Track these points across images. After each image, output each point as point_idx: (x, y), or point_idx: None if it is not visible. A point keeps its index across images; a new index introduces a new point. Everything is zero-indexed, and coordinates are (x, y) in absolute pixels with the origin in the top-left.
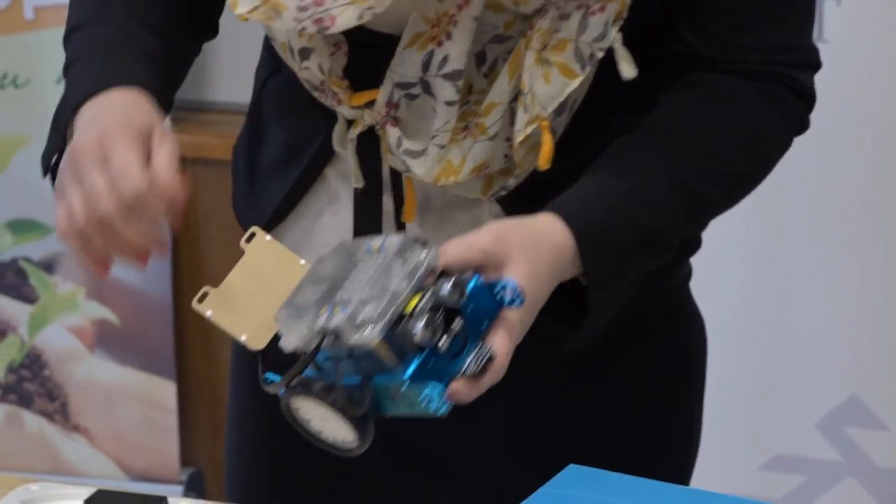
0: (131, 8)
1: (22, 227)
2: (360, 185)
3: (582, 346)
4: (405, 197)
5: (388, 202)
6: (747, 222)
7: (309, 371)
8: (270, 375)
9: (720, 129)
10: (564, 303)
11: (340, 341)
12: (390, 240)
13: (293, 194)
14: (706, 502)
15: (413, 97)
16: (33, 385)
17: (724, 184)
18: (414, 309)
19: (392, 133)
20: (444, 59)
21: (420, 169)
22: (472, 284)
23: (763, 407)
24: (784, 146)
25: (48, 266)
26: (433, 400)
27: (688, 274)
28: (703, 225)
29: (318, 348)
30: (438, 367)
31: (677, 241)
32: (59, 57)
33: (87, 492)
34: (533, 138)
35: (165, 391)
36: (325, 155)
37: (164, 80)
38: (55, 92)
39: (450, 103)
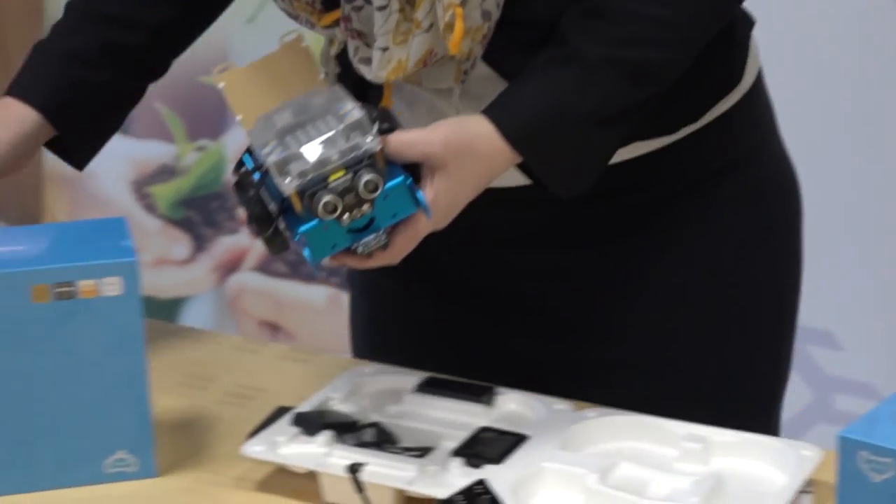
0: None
1: None
2: None
3: (580, 193)
4: (382, 100)
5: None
6: None
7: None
8: (246, 157)
9: None
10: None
11: (268, 176)
12: (353, 112)
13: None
14: None
15: (358, 9)
16: None
17: (668, 45)
18: (332, 182)
19: (351, 45)
20: None
21: (370, 74)
22: (392, 183)
23: None
24: None
25: None
26: (310, 261)
27: (759, 119)
28: (661, 82)
29: (255, 170)
30: (336, 235)
31: (642, 102)
32: None
33: (419, 377)
34: (467, 23)
35: None
36: None
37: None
38: None
39: (380, 8)
